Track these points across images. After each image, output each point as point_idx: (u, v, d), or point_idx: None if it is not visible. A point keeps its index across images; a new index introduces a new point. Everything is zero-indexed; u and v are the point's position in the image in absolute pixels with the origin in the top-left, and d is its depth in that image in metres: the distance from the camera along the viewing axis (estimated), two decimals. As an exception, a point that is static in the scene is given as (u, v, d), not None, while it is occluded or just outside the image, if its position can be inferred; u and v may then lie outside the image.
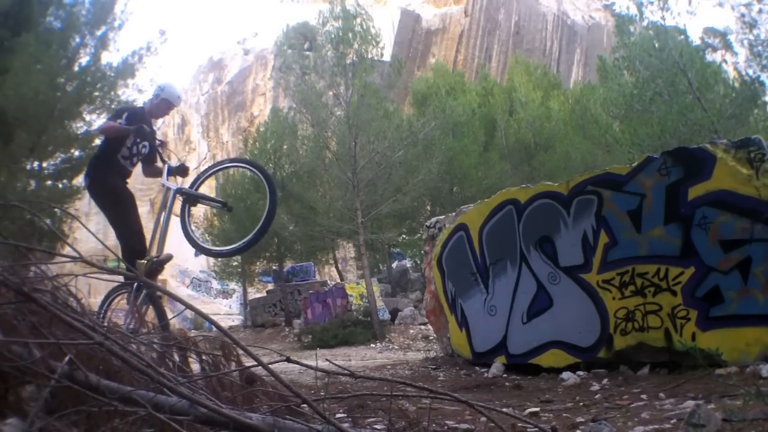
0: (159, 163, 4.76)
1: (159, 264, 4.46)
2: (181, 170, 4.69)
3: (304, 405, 2.20)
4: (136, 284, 4.21)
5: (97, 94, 15.07)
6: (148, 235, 4.59)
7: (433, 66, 27.66)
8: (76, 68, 15.08)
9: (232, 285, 32.64)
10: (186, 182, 4.67)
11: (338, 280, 25.35)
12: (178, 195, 4.45)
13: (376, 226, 19.34)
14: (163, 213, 4.59)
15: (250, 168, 4.86)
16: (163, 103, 4.70)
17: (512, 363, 6.27)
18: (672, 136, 12.95)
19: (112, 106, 15.33)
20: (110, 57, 29.60)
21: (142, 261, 4.34)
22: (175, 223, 4.66)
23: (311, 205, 19.02)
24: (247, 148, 25.41)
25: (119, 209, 4.53)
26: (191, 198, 4.53)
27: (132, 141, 4.53)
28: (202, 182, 4.69)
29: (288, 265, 25.80)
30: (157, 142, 4.62)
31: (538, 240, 6.12)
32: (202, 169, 5.21)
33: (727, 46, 18.30)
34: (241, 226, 23.10)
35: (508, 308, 6.38)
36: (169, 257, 4.58)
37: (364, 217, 16.71)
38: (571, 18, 45.54)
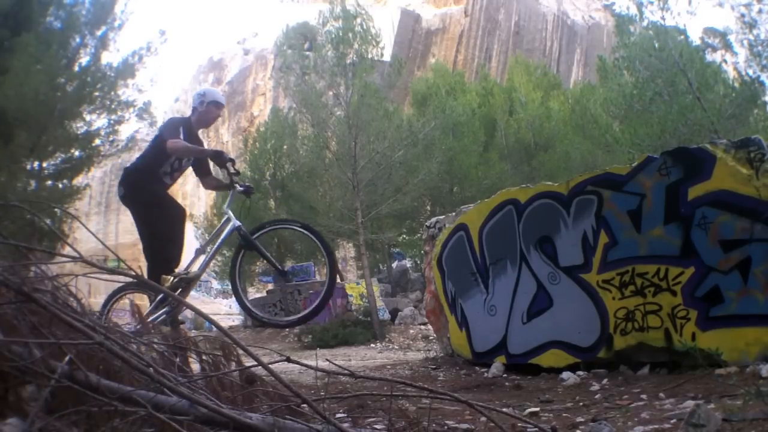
0: (222, 178, 4.57)
1: (188, 281, 4.18)
2: (248, 192, 4.44)
3: (304, 405, 2.20)
4: (160, 297, 4.01)
5: (97, 94, 15.07)
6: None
7: (433, 66, 27.67)
8: (76, 68, 15.08)
9: (232, 285, 32.61)
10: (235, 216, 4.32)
11: (338, 280, 25.36)
12: (236, 233, 4.18)
13: (376, 226, 19.35)
14: (217, 242, 4.37)
15: (309, 235, 4.51)
16: (212, 106, 4.51)
17: (512, 363, 6.27)
18: (672, 136, 12.95)
19: (112, 106, 15.36)
20: (110, 57, 29.63)
21: (168, 277, 4.09)
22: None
23: (311, 205, 19.04)
24: (247, 148, 25.42)
25: (163, 217, 4.29)
26: (248, 244, 4.24)
27: (174, 158, 4.33)
28: (264, 234, 4.42)
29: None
30: (229, 164, 4.28)
31: (538, 240, 6.12)
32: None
33: (727, 46, 18.32)
34: (241, 227, 23.14)
35: (508, 308, 6.38)
36: (198, 275, 4.31)
37: (364, 217, 16.72)
38: (571, 18, 45.55)
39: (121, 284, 4.27)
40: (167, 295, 3.27)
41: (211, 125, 4.78)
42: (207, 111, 4.50)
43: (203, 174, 4.72)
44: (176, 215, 4.40)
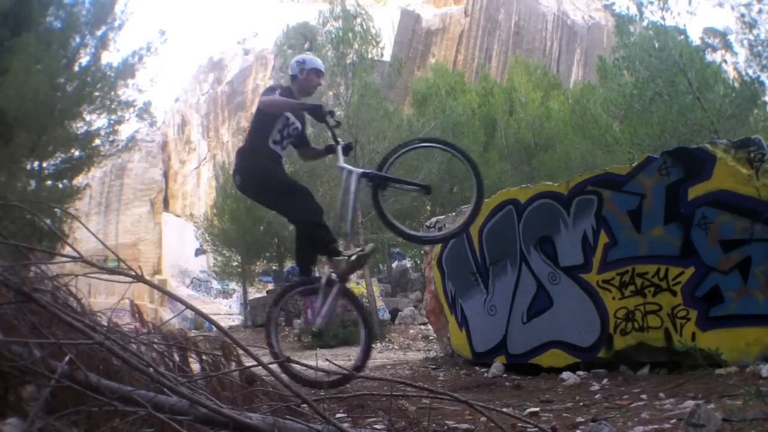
0: (328, 142, 4.35)
1: (365, 258, 4.05)
2: (348, 149, 4.26)
3: (304, 405, 2.20)
4: (325, 280, 3.92)
5: (97, 94, 15.08)
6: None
7: (433, 66, 27.67)
8: (76, 68, 15.09)
9: (232, 285, 32.63)
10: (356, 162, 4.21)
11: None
12: (364, 180, 4.01)
13: (376, 226, 19.32)
14: (349, 199, 4.15)
15: (443, 147, 4.39)
16: (313, 73, 4.31)
17: (512, 363, 6.27)
18: (672, 136, 12.95)
19: (113, 106, 15.36)
20: (110, 57, 29.56)
21: (343, 258, 3.92)
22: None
23: (311, 205, 19.00)
24: (247, 148, 25.39)
25: (293, 196, 4.08)
26: (381, 182, 4.08)
27: (282, 123, 4.16)
28: (391, 164, 4.17)
29: (288, 265, 25.79)
30: (329, 117, 4.10)
31: (538, 240, 6.12)
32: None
33: (727, 46, 18.30)
34: (241, 226, 23.14)
35: (508, 308, 6.37)
36: (374, 248, 4.25)
37: (364, 217, 16.71)
38: (571, 18, 45.54)
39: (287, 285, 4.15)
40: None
41: (313, 93, 4.53)
42: (307, 79, 4.31)
43: (302, 143, 4.52)
44: (305, 190, 4.20)
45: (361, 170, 4.06)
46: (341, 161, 4.11)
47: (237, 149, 4.32)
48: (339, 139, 4.20)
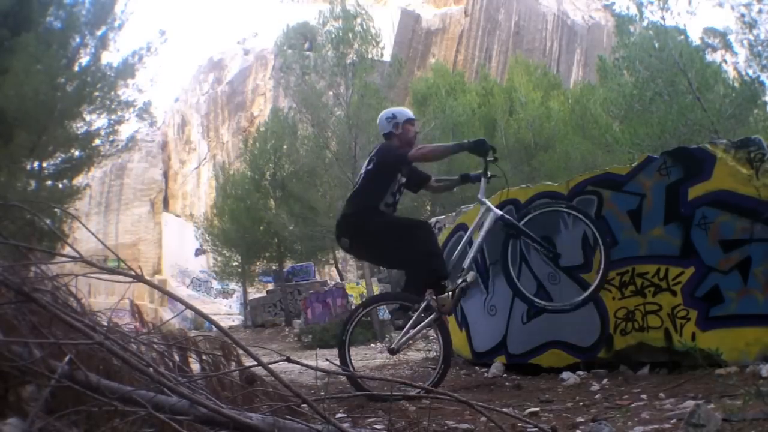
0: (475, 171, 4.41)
1: (468, 288, 4.17)
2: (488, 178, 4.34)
3: (304, 405, 2.20)
4: (425, 305, 3.96)
5: (97, 94, 15.08)
6: None
7: (433, 66, 27.69)
8: (76, 68, 15.09)
9: (232, 285, 32.65)
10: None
11: (338, 280, 25.36)
12: (500, 223, 4.08)
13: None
14: (479, 236, 4.25)
15: (581, 218, 4.52)
16: (408, 124, 4.39)
17: (512, 363, 6.26)
18: (672, 136, 12.95)
19: (113, 106, 15.37)
20: (110, 57, 29.61)
21: (446, 295, 3.98)
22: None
23: (311, 205, 19.04)
24: (247, 148, 25.43)
25: (413, 238, 4.09)
26: (516, 232, 4.17)
27: (398, 183, 4.23)
28: (532, 218, 4.30)
29: (288, 265, 25.81)
30: (491, 151, 4.19)
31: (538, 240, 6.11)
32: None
33: (727, 46, 18.30)
34: (241, 226, 23.16)
35: (508, 308, 6.36)
36: (476, 277, 4.30)
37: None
38: (571, 18, 45.56)
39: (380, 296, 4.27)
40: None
41: (414, 143, 4.51)
42: (405, 131, 4.37)
43: (422, 182, 4.63)
44: (425, 228, 4.25)
45: (500, 213, 4.16)
46: (481, 194, 4.22)
47: (340, 218, 4.32)
48: (489, 173, 4.26)
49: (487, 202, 4.24)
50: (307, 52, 18.92)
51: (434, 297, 4.01)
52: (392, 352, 4.24)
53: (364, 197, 4.24)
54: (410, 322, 4.05)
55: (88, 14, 15.30)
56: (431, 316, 4.01)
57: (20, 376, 1.80)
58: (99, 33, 15.29)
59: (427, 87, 23.17)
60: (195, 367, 2.59)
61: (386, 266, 4.34)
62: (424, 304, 3.99)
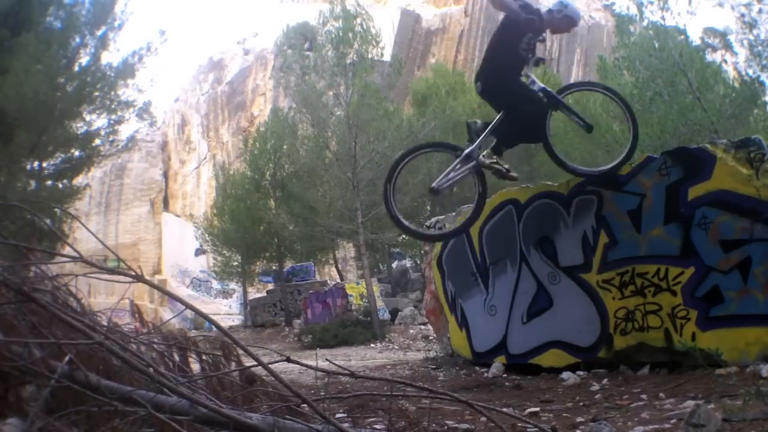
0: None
1: (499, 174, 4.77)
2: (537, 62, 4.89)
3: (304, 405, 2.20)
4: (467, 153, 4.71)
5: (97, 94, 15.07)
6: None
7: (433, 66, 27.70)
8: (76, 68, 15.08)
9: (232, 285, 32.62)
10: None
11: (338, 280, 25.35)
12: (542, 93, 4.75)
13: (376, 226, 19.32)
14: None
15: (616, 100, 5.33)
16: (565, 20, 4.83)
17: (512, 363, 6.26)
18: (672, 136, 12.93)
19: (113, 106, 15.37)
20: (110, 57, 29.56)
21: (491, 154, 4.71)
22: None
23: (311, 205, 19.02)
24: (247, 148, 25.41)
25: (521, 101, 4.72)
26: (554, 102, 4.82)
27: (528, 37, 4.69)
28: (569, 93, 5.18)
29: (288, 265, 25.79)
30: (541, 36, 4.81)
31: (538, 240, 6.12)
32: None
33: (727, 46, 18.26)
34: (241, 226, 23.14)
35: (508, 308, 6.37)
36: (514, 178, 5.00)
37: (364, 217, 16.71)
38: (571, 18, 45.46)
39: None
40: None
41: (553, 34, 5.25)
42: (560, 20, 4.82)
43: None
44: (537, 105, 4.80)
45: (543, 85, 4.86)
46: (530, 70, 4.82)
47: (482, 62, 5.02)
48: (535, 56, 4.79)
49: (533, 76, 4.89)
50: (307, 52, 18.90)
51: (481, 154, 4.75)
52: (433, 191, 4.95)
53: (496, 48, 4.99)
54: (451, 167, 4.82)
55: (88, 14, 15.29)
56: (472, 164, 4.75)
57: (20, 376, 1.80)
58: (99, 33, 15.28)
59: (427, 87, 23.15)
60: (195, 367, 2.59)
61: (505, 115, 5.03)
62: (466, 153, 4.74)
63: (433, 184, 4.87)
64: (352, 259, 31.98)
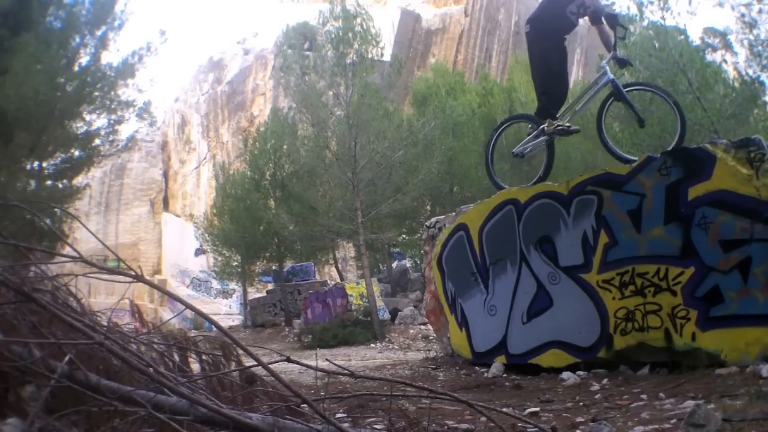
0: (607, 30, 5.39)
1: (562, 133, 5.45)
2: (622, 63, 5.48)
3: (304, 405, 2.20)
4: (542, 127, 5.44)
5: (97, 94, 15.09)
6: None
7: (433, 66, 27.66)
8: (76, 68, 15.09)
9: (232, 285, 32.62)
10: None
11: (338, 280, 25.35)
12: (610, 85, 5.19)
13: (376, 226, 19.34)
14: (588, 92, 5.66)
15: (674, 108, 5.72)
16: (606, 19, 5.35)
17: (512, 363, 6.27)
18: (672, 136, 12.91)
19: (113, 106, 15.38)
20: (110, 57, 29.60)
21: (551, 122, 5.32)
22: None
23: (311, 205, 19.02)
24: (247, 148, 25.40)
25: (556, 59, 5.23)
26: (618, 95, 5.25)
27: (578, 4, 5.20)
28: (633, 89, 5.75)
29: (288, 265, 25.78)
30: (619, 28, 5.34)
31: (538, 240, 6.12)
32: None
33: (727, 46, 18.25)
34: (241, 226, 23.14)
35: (508, 308, 6.37)
36: (576, 130, 5.66)
37: (364, 217, 16.71)
38: (571, 18, 45.47)
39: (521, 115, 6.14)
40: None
41: (586, 22, 5.60)
42: (596, 10, 5.28)
43: (595, 22, 5.43)
44: (565, 59, 5.42)
45: (612, 77, 5.28)
46: (605, 61, 5.39)
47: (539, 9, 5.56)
48: (616, 51, 5.40)
49: (606, 67, 5.33)
50: (307, 52, 18.89)
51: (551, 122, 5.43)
52: (515, 155, 5.89)
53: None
54: (528, 137, 5.73)
55: (88, 14, 15.29)
56: (544, 138, 5.54)
57: (20, 376, 1.80)
58: (99, 33, 15.28)
59: (427, 87, 23.14)
60: (195, 367, 2.59)
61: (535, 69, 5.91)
62: (541, 128, 5.48)
63: (515, 150, 5.76)
64: (352, 259, 31.98)
